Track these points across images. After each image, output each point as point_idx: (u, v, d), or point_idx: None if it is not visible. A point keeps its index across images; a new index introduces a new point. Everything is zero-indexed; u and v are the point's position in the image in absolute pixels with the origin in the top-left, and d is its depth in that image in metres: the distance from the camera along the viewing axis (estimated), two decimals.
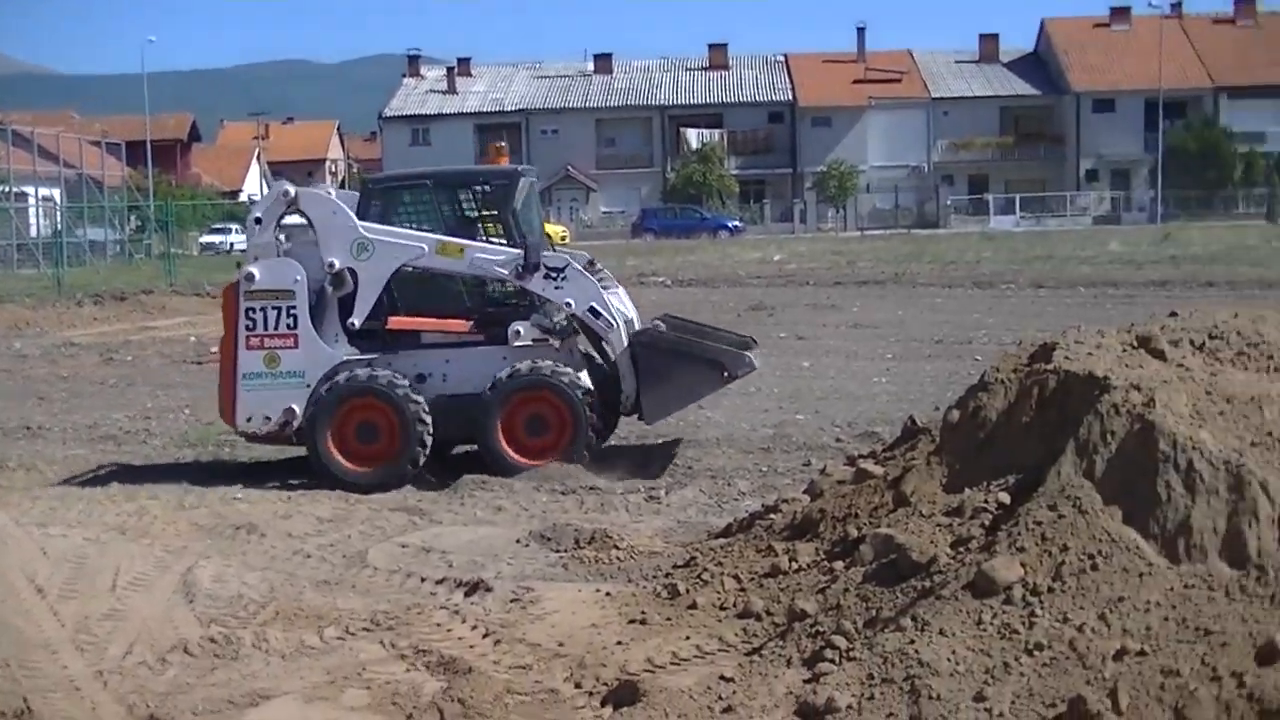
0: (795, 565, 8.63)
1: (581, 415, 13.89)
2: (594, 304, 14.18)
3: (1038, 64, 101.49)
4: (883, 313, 29.45)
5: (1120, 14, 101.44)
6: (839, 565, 8.25)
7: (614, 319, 14.20)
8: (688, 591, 8.76)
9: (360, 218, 14.43)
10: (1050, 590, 6.94)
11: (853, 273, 41.88)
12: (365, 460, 14.06)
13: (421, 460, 13.99)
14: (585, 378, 14.26)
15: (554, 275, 14.13)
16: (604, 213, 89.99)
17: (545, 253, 14.48)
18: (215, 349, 16.51)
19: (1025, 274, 38.86)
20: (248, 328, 14.28)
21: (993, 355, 13.93)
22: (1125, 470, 7.28)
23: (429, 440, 14.01)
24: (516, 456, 13.93)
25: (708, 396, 14.96)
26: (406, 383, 14.07)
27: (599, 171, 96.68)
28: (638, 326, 14.63)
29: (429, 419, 13.98)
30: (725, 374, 13.89)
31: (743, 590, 8.61)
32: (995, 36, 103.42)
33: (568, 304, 14.18)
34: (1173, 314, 9.73)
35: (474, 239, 14.51)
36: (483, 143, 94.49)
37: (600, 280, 14.64)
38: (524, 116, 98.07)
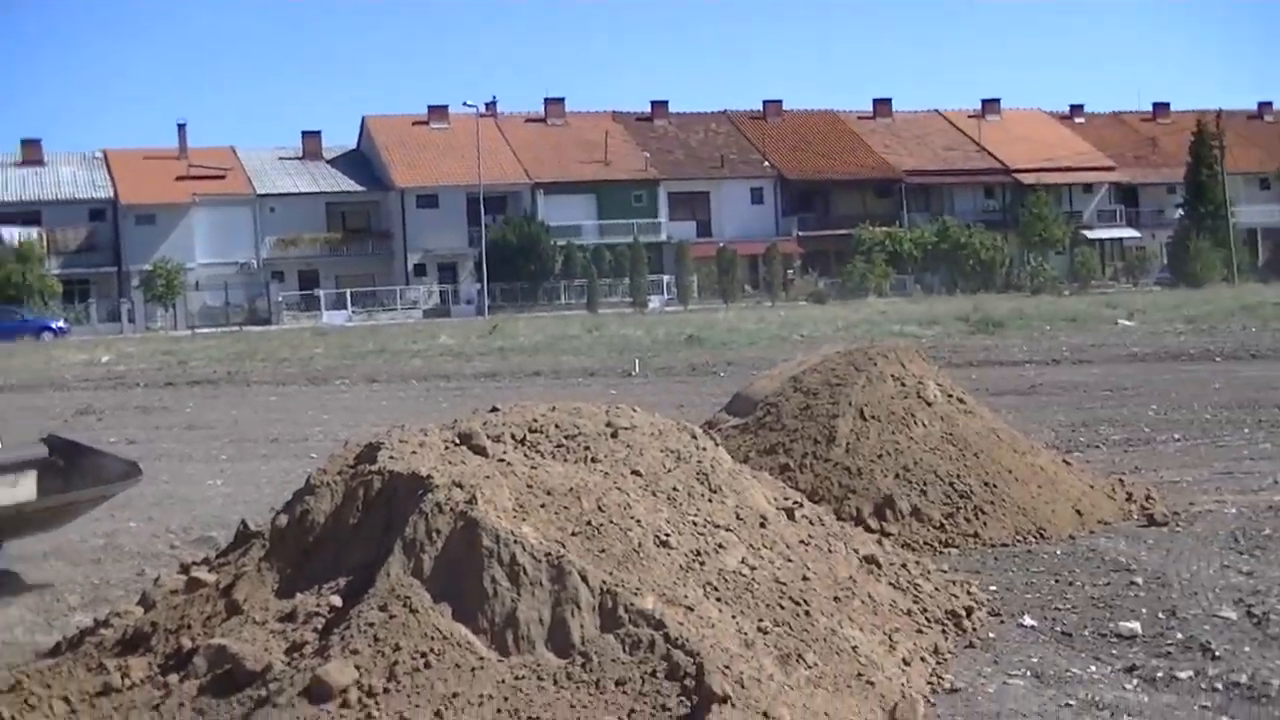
0: (128, 682, 8.23)
1: None
2: None
3: (362, 161, 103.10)
4: (216, 413, 28.92)
5: (438, 112, 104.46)
6: (173, 679, 7.93)
7: None
8: (13, 719, 8.23)
9: None
10: (385, 690, 6.89)
11: (184, 373, 40.96)
12: None
13: None
14: None
15: None
16: None
17: None
18: None
19: (359, 369, 39.11)
20: None
21: (328, 452, 13.84)
22: (452, 567, 7.35)
23: None
24: None
25: None
26: None
27: None
28: None
29: None
30: None
31: (73, 712, 8.14)
32: (318, 134, 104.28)
33: None
34: (494, 409, 9.96)
35: None
36: None
37: None
38: None
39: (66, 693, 8.47)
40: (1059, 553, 11.57)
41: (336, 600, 7.72)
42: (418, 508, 7.63)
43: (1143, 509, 13.10)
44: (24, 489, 13.32)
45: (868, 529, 11.61)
